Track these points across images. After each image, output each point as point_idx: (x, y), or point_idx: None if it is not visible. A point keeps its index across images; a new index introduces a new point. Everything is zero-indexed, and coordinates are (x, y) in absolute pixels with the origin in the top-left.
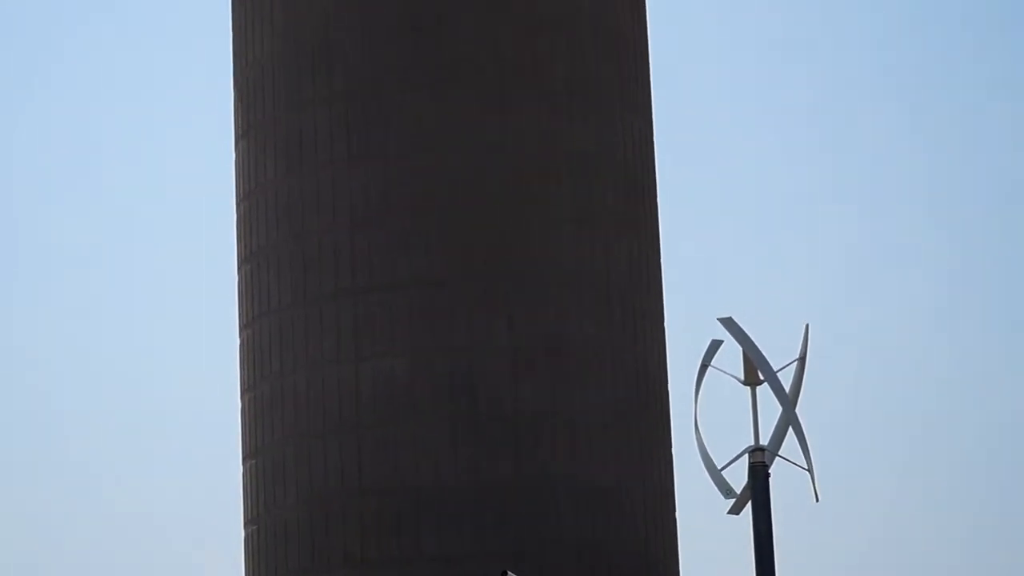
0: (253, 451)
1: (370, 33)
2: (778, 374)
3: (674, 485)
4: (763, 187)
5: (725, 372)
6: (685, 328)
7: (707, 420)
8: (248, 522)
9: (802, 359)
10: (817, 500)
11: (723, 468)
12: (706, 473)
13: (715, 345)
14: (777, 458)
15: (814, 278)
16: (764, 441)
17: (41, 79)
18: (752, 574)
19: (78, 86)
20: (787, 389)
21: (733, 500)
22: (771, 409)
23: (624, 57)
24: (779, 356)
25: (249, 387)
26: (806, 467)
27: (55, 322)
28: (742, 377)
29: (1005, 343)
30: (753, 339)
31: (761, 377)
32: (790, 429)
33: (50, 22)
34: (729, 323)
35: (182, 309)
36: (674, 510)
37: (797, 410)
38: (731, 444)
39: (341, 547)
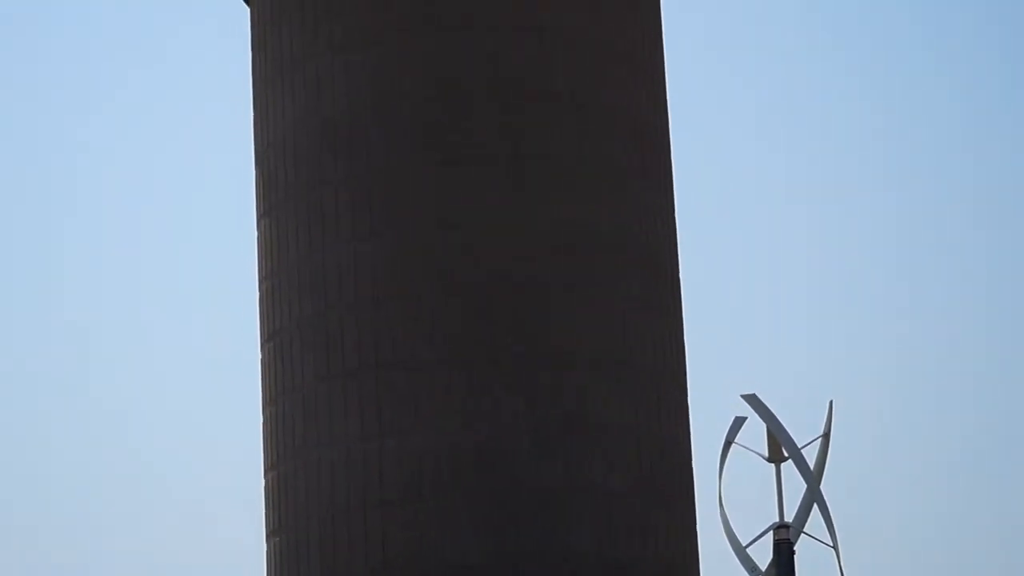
0: (276, 528)
1: (391, 112)
2: (802, 451)
3: (698, 561)
4: (785, 264)
5: (749, 449)
6: (709, 405)
7: (731, 497)
8: None
9: (826, 435)
10: None
11: (748, 545)
12: (731, 550)
13: (739, 422)
14: (802, 535)
15: (838, 355)
16: (789, 518)
17: (56, 161)
18: None
19: (96, 164)
20: (811, 466)
21: None
22: (796, 486)
23: (645, 138)
24: (803, 433)
25: (273, 464)
26: (831, 544)
27: (80, 409)
28: (766, 454)
29: None
30: (777, 416)
31: (785, 454)
32: (815, 506)
33: (68, 102)
34: (753, 400)
35: (206, 387)
36: None
37: (822, 487)
38: (756, 521)
39: None
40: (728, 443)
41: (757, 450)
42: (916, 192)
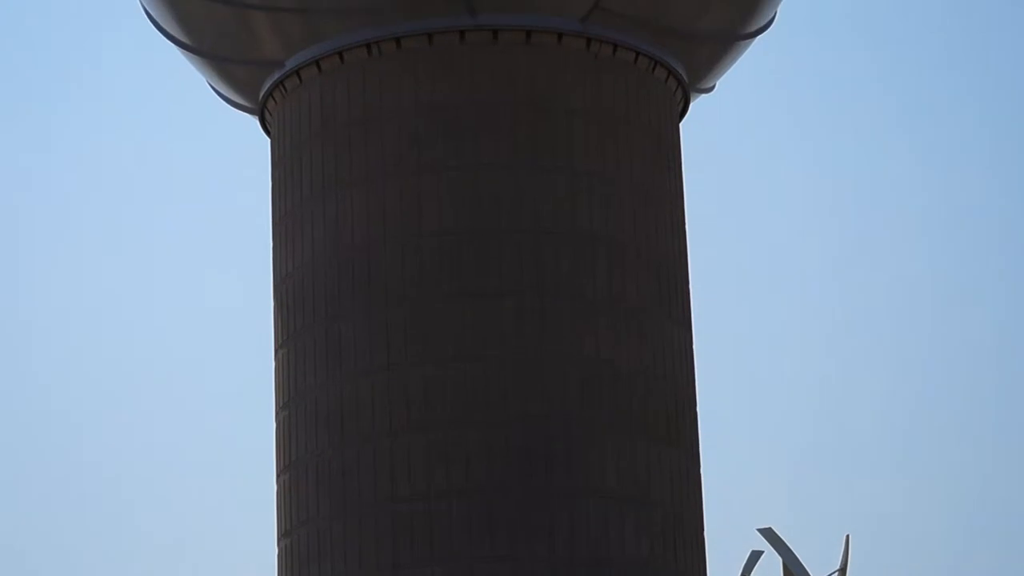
0: None
1: (412, 246)
2: None
3: None
4: (798, 402)
5: None
6: (725, 538)
7: None
8: None
9: (843, 570)
10: None
11: None
12: None
13: (755, 556)
14: None
15: (853, 491)
16: None
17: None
18: None
19: (115, 301)
20: None
21: None
22: None
23: (666, 277)
24: (819, 567)
25: None
26: None
27: (95, 523)
28: None
29: None
30: (793, 549)
31: None
32: None
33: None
34: (769, 534)
35: (220, 519)
36: None
37: None
38: None
39: None
40: None
41: None
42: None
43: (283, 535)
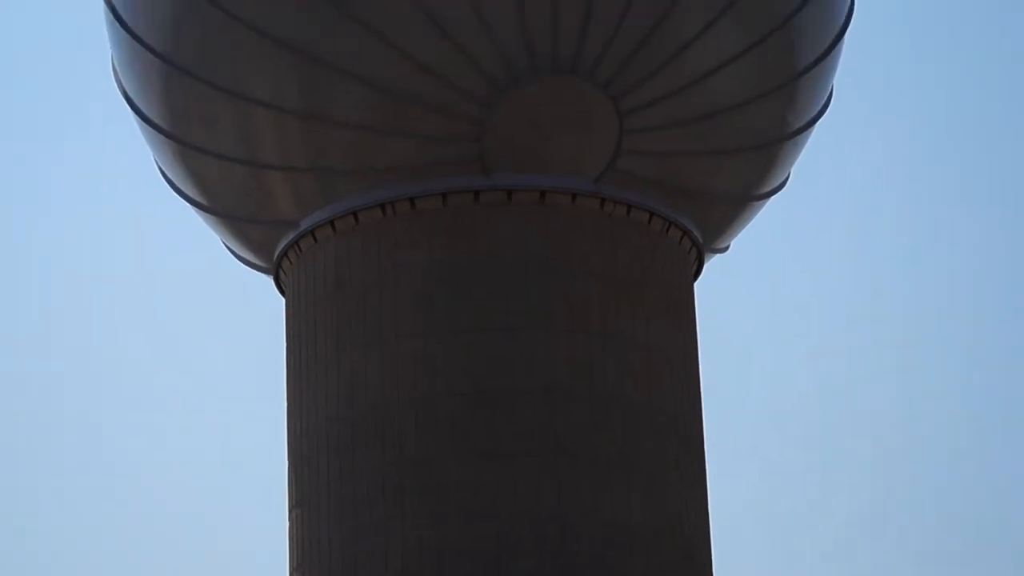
0: None
1: (426, 406)
2: None
3: None
4: (814, 549)
5: None
6: None
7: None
8: None
9: None
10: None
11: None
12: None
13: None
14: None
15: None
16: None
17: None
18: None
19: (134, 447)
20: None
21: None
22: None
23: (681, 436)
24: None
25: None
26: None
27: None
28: None
29: None
30: None
31: None
32: None
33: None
34: None
35: None
36: None
37: None
38: None
39: None
40: None
41: None
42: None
43: None
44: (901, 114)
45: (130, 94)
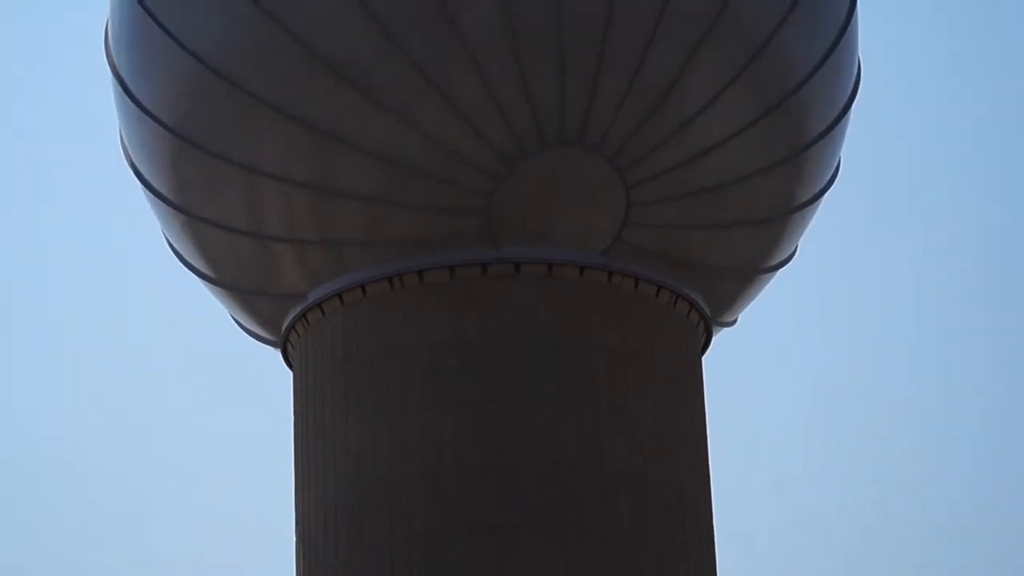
0: None
1: (432, 479)
2: None
3: None
4: None
5: None
6: None
7: None
8: None
9: None
10: None
11: None
12: None
13: None
14: None
15: None
16: None
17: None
18: None
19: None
20: None
21: None
22: None
23: (688, 509)
24: None
25: None
26: None
27: None
28: None
29: None
30: None
31: None
32: None
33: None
34: None
35: None
36: None
37: None
38: None
39: None
40: None
41: None
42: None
43: None
44: (908, 187)
45: (138, 166)
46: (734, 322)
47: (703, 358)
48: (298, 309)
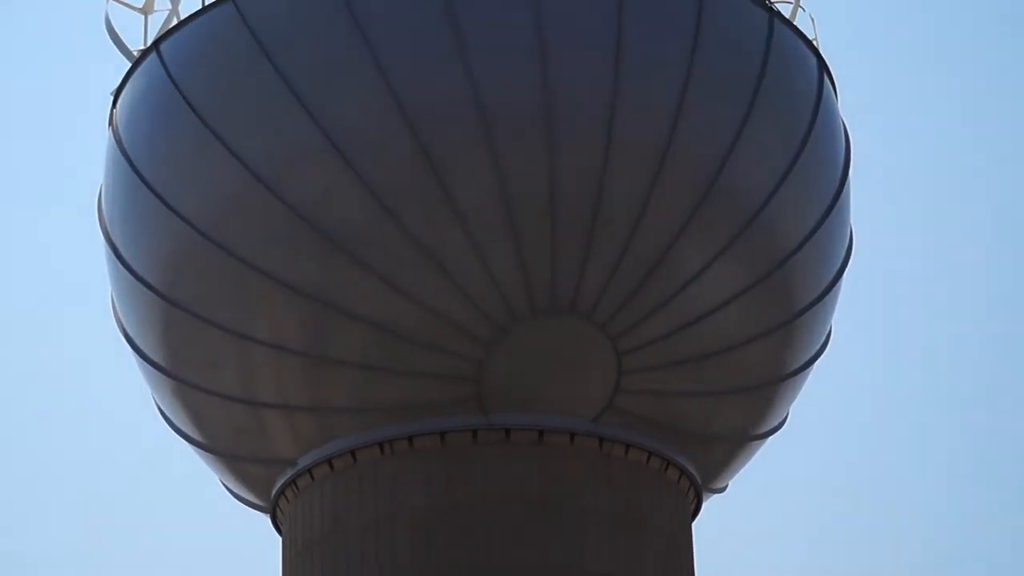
0: None
1: None
2: None
3: None
4: None
5: None
6: None
7: None
8: None
9: None
10: None
11: None
12: None
13: None
14: None
15: None
16: None
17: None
18: None
19: None
20: None
21: None
22: None
23: None
24: None
25: None
26: None
27: None
28: None
29: None
30: None
31: None
32: None
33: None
34: None
35: None
36: None
37: None
38: None
39: None
40: None
41: None
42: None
43: None
44: (902, 354)
45: (129, 331)
46: (724, 488)
47: (693, 524)
48: (288, 475)
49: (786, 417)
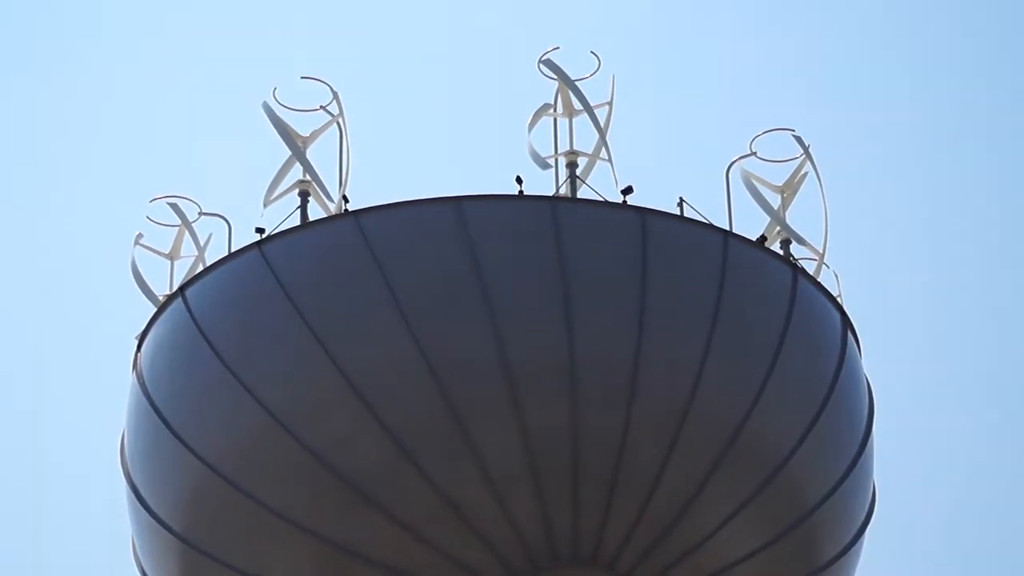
0: None
1: None
2: None
3: None
4: None
5: None
6: None
7: None
8: None
9: None
10: None
11: None
12: None
13: None
14: None
15: None
16: None
17: None
18: None
19: None
20: None
21: None
22: None
23: None
24: None
25: None
26: None
27: None
28: None
29: None
30: None
31: None
32: None
33: None
34: None
35: None
36: None
37: None
38: None
39: None
40: None
41: None
42: None
43: None
44: None
45: (148, 574)
46: None
47: None
48: None
49: None
